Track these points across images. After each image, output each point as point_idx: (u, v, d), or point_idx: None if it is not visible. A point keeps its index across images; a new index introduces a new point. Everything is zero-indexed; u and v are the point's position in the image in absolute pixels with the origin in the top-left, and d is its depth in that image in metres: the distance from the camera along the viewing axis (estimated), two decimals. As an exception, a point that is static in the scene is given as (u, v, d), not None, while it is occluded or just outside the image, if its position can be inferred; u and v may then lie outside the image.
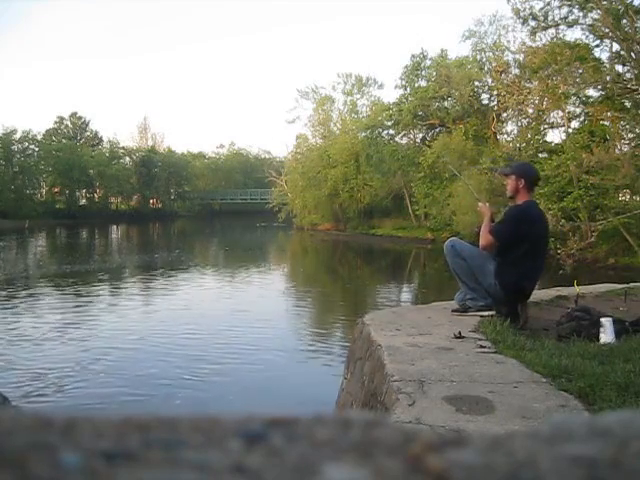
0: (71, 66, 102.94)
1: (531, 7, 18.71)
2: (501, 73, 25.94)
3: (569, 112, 21.25)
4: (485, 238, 4.00)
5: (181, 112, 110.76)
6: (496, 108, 27.44)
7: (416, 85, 30.60)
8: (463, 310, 4.14)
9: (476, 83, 28.35)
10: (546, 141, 23.51)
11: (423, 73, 30.85)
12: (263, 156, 66.90)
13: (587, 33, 18.61)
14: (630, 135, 20.08)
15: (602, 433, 0.31)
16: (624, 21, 16.84)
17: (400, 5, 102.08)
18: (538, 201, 18.09)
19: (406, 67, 31.04)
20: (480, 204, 4.37)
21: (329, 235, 34.33)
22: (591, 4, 16.83)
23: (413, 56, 30.99)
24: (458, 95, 27.43)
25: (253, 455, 0.28)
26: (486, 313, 4.02)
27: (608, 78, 18.51)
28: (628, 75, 18.42)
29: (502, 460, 0.29)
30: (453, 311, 4.17)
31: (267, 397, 5.68)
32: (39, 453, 0.27)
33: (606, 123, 20.53)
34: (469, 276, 4.12)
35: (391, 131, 32.69)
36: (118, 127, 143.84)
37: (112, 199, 55.57)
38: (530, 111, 23.45)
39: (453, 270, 4.19)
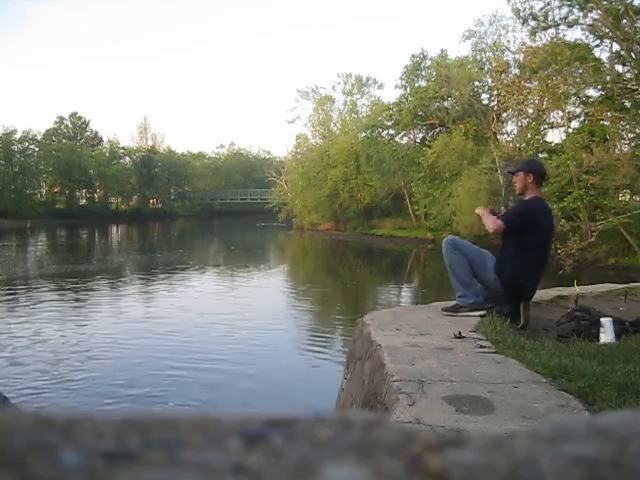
0: (71, 66, 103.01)
1: (531, 7, 18.76)
2: (501, 73, 25.94)
3: (569, 112, 21.26)
4: (495, 222, 3.98)
5: (181, 112, 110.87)
6: (496, 108, 27.44)
7: (416, 85, 30.61)
8: (454, 310, 4.10)
9: (476, 83, 28.35)
10: (546, 141, 23.53)
11: (423, 73, 30.87)
12: (263, 156, 67.01)
13: (587, 33, 18.65)
14: (630, 135, 20.10)
15: (602, 433, 0.31)
16: (624, 21, 16.86)
17: (400, 5, 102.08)
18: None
19: (406, 67, 31.08)
20: (478, 209, 4.35)
21: (329, 235, 34.33)
22: (591, 4, 16.85)
23: (413, 56, 31.03)
24: (458, 95, 27.44)
25: (253, 455, 0.28)
26: (477, 313, 3.98)
27: (608, 78, 18.53)
28: (628, 75, 18.44)
29: (502, 460, 0.29)
30: (443, 309, 4.15)
31: (267, 397, 5.68)
32: (39, 453, 0.27)
33: (606, 123, 20.53)
34: (466, 273, 4.09)
35: (391, 131, 32.73)
36: (118, 127, 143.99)
37: (112, 199, 55.63)
38: (530, 111, 23.47)
39: (449, 267, 4.16)
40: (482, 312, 3.97)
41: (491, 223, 4.00)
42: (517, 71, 24.43)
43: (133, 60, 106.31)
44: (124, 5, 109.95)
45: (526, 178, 4.06)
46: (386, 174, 31.41)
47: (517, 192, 4.22)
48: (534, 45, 20.15)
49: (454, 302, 4.22)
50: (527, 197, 4.09)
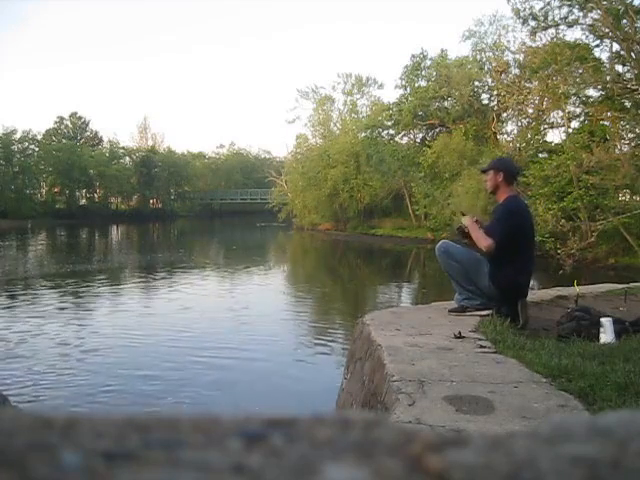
0: (71, 66, 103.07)
1: (531, 7, 18.76)
2: (501, 73, 25.94)
3: (569, 112, 21.25)
4: (486, 240, 3.95)
5: (181, 112, 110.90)
6: (496, 108, 27.44)
7: (416, 85, 30.60)
8: (461, 310, 4.14)
9: (476, 83, 28.34)
10: (546, 141, 23.51)
11: (423, 73, 30.86)
12: (263, 156, 67.07)
13: (587, 33, 18.64)
14: (630, 135, 20.08)
15: (602, 433, 0.31)
16: (624, 21, 16.86)
17: (400, 5, 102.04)
18: (538, 201, 17.99)
19: (406, 67, 31.06)
20: (464, 219, 4.27)
21: (329, 235, 34.33)
22: (591, 4, 16.84)
23: (413, 56, 31.02)
24: (458, 95, 27.43)
25: (253, 455, 0.28)
26: (484, 312, 4.02)
27: (608, 78, 18.52)
28: (628, 75, 18.43)
29: (502, 460, 0.29)
30: (450, 311, 4.18)
31: (267, 397, 5.68)
32: (39, 453, 0.27)
33: (606, 123, 20.52)
34: (464, 278, 4.12)
35: (391, 131, 32.72)
36: (118, 127, 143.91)
37: (112, 199, 55.65)
38: (530, 111, 23.46)
39: (447, 272, 4.21)
40: (489, 311, 4.00)
41: (483, 241, 3.96)
42: (517, 71, 24.44)
43: (133, 60, 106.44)
44: (124, 5, 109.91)
45: (496, 177, 4.06)
46: (386, 174, 31.40)
47: (488, 191, 4.23)
48: (534, 45, 20.16)
49: (455, 302, 4.24)
50: (502, 198, 4.09)
